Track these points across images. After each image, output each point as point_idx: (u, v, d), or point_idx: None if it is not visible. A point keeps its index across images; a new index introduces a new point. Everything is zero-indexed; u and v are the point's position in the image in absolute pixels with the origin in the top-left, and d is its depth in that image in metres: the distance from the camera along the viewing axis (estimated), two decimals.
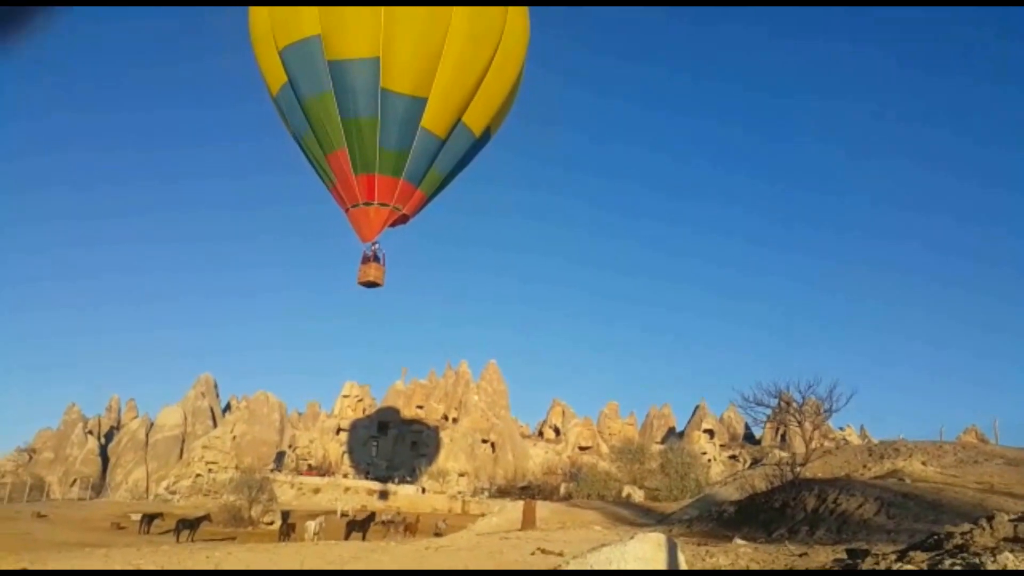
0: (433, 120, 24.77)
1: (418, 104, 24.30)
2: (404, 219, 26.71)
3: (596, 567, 6.35)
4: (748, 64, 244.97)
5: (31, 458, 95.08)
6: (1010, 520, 7.08)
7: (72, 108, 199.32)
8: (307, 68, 24.21)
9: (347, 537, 29.27)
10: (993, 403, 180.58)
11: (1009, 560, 4.95)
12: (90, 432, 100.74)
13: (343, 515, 41.08)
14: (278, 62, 24.87)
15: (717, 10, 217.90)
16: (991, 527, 6.92)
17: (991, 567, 4.95)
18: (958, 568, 5.19)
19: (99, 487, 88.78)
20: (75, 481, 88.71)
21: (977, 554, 5.61)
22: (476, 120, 26.32)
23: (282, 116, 26.74)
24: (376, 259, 26.42)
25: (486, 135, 27.93)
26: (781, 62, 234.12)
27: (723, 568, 9.85)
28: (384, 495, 63.34)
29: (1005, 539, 6.57)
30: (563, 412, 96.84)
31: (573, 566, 6.55)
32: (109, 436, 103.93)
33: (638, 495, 45.79)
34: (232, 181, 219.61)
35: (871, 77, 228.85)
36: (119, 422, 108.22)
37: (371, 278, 26.25)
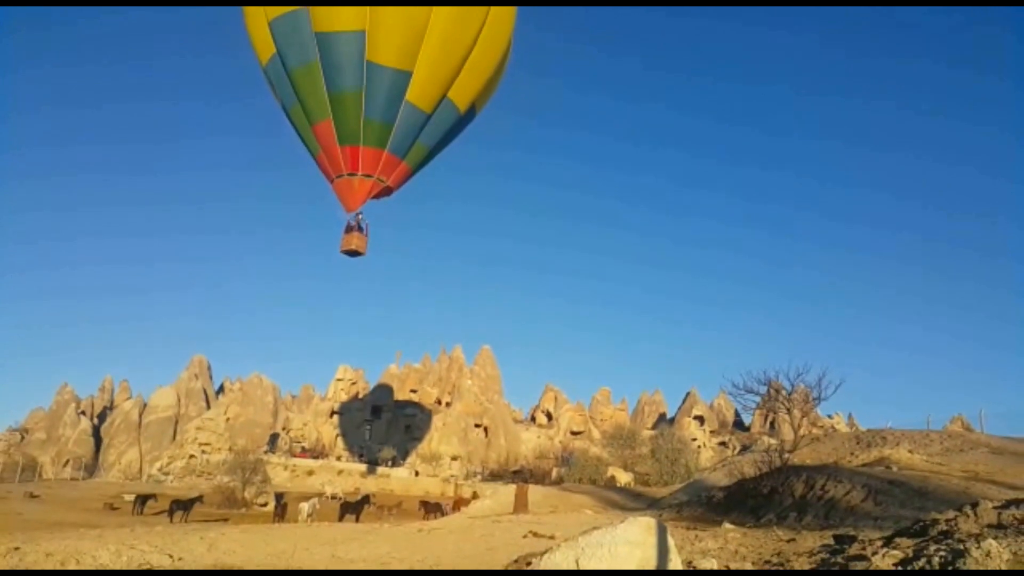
0: (418, 94, 25.02)
1: (403, 77, 24.56)
2: (388, 191, 27.07)
3: (587, 550, 6.44)
4: (733, 56, 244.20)
5: (23, 438, 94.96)
6: (994, 507, 7.21)
7: (58, 102, 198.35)
8: (295, 40, 24.51)
9: (341, 519, 29.47)
10: (980, 393, 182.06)
11: (992, 546, 5.05)
12: (83, 413, 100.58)
13: (333, 497, 41.26)
14: (267, 33, 25.12)
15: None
16: (975, 514, 7.04)
17: (975, 553, 5.05)
18: (942, 553, 5.30)
19: (92, 468, 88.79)
20: (68, 461, 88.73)
21: (961, 540, 5.71)
22: (462, 96, 26.56)
23: (271, 87, 27.05)
24: (360, 229, 26.96)
25: (471, 111, 28.21)
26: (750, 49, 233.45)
27: (712, 550, 9.99)
28: (372, 470, 63.98)
29: (989, 526, 6.69)
30: (555, 398, 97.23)
31: (564, 549, 6.64)
32: (102, 417, 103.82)
33: (624, 477, 46.26)
34: (231, 173, 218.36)
35: (855, 69, 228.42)
36: (112, 403, 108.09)
37: (353, 247, 26.78)
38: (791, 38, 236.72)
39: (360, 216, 26.84)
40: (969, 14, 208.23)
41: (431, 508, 34.01)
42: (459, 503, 34.91)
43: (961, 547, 5.22)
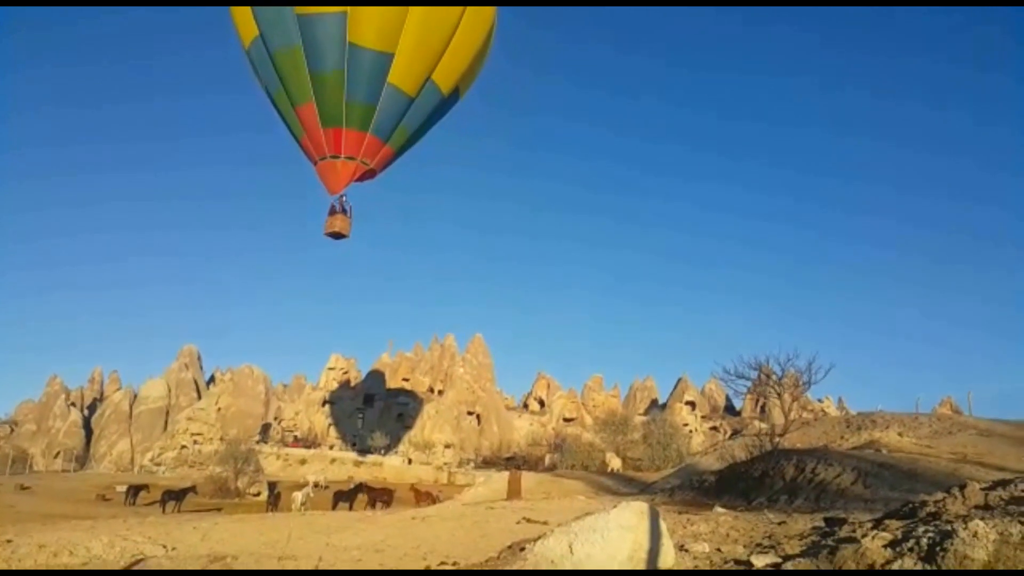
0: (400, 76, 25.05)
1: (385, 59, 24.58)
2: (372, 174, 27.12)
3: (581, 535, 6.48)
4: (733, 48, 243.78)
5: (13, 430, 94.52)
6: (981, 488, 7.29)
7: (54, 101, 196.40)
8: (277, 22, 24.52)
9: (334, 507, 29.54)
10: (968, 376, 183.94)
11: (979, 527, 5.11)
12: (73, 404, 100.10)
13: (315, 485, 41.08)
14: (250, 15, 25.16)
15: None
16: (963, 495, 7.11)
17: (962, 534, 5.11)
18: (931, 534, 5.36)
19: (83, 459, 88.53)
20: (59, 453, 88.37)
21: (949, 521, 5.78)
22: (445, 79, 26.60)
23: (254, 70, 27.02)
24: (344, 211, 27.00)
25: (455, 94, 28.27)
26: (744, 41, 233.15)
27: (703, 534, 10.08)
28: (362, 454, 64.32)
29: (976, 507, 6.77)
30: (548, 385, 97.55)
31: (558, 534, 6.67)
32: (92, 408, 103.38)
33: (615, 462, 46.58)
34: (222, 166, 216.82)
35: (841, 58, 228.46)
36: (102, 394, 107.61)
37: (337, 229, 26.85)
38: (791, 32, 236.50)
39: (344, 198, 26.90)
40: (969, 14, 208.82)
41: (423, 496, 33.65)
42: (420, 497, 33.05)
43: (949, 528, 5.28)
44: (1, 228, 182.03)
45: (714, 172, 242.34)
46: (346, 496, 31.44)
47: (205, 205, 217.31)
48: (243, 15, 25.57)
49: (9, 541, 13.88)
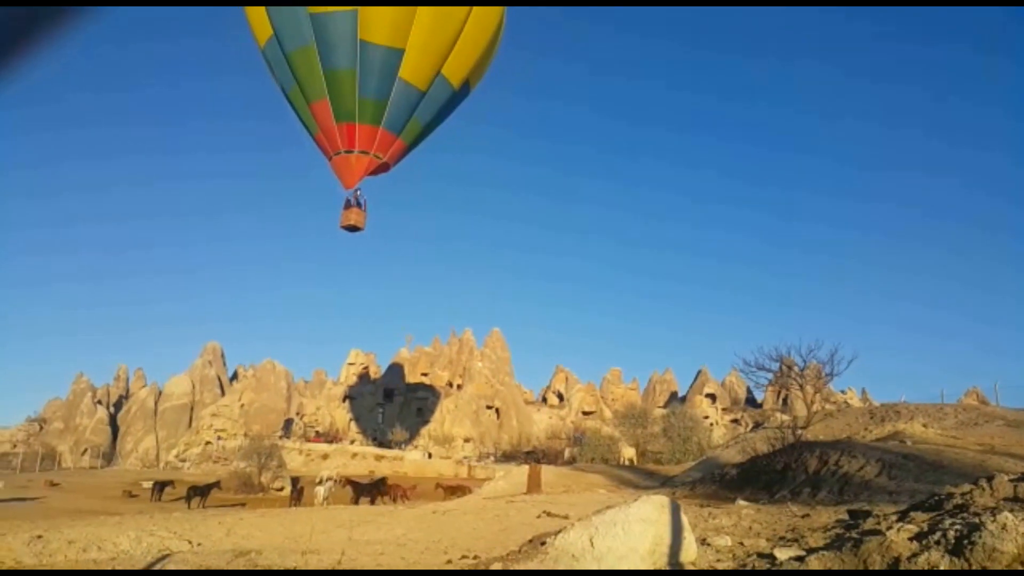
0: (411, 71, 25.52)
1: (395, 55, 25.05)
2: (385, 167, 27.66)
3: (601, 528, 6.46)
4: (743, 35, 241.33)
5: (42, 428, 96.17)
6: (1010, 480, 7.17)
7: (75, 88, 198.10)
8: (290, 21, 25.07)
9: (356, 502, 29.75)
10: (994, 365, 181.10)
11: (1008, 520, 5.03)
12: (99, 402, 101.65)
13: (328, 479, 40.96)
14: (264, 16, 25.69)
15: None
16: (991, 487, 7.01)
17: (990, 526, 5.03)
18: (958, 527, 5.29)
19: (109, 456, 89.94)
20: (86, 450, 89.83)
21: (977, 514, 5.70)
22: (455, 72, 27.01)
23: (270, 69, 27.55)
24: (358, 204, 27.59)
25: (466, 88, 28.73)
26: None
27: (725, 527, 10.02)
28: (383, 449, 64.82)
29: (1005, 499, 6.66)
30: (566, 378, 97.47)
31: (578, 528, 6.67)
32: (118, 405, 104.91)
33: (628, 452, 46.62)
34: (240, 153, 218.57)
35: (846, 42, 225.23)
36: (128, 391, 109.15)
37: (352, 222, 27.43)
38: (797, 17, 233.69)
39: (359, 192, 27.50)
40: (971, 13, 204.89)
41: (455, 490, 32.76)
42: (451, 491, 31.14)
43: (977, 520, 5.20)
44: (26, 233, 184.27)
45: (728, 163, 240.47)
46: (368, 491, 31.59)
47: (224, 204, 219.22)
48: (257, 16, 26.09)
49: (40, 536, 14.14)
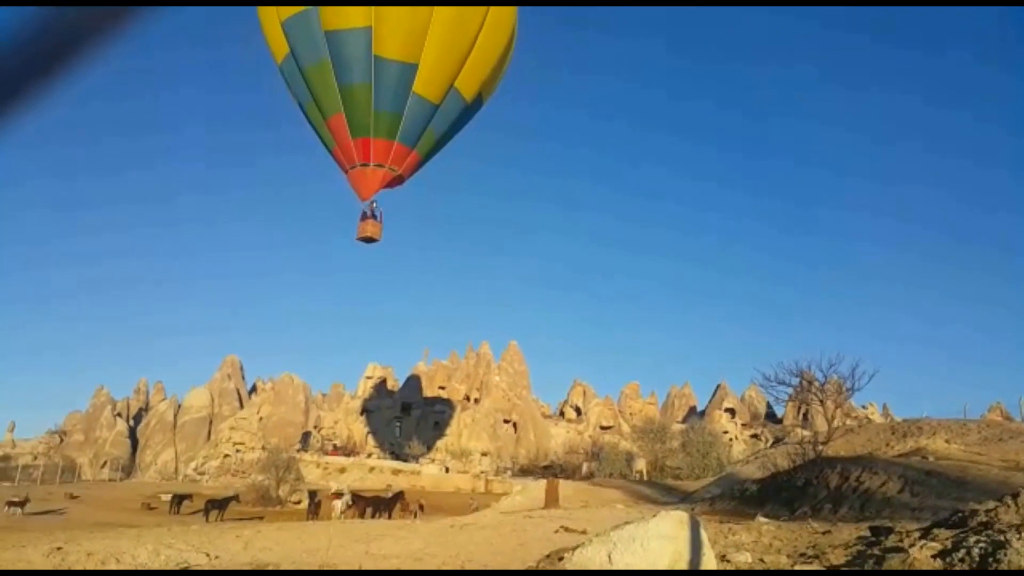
0: (425, 85, 26.04)
1: (409, 70, 25.57)
2: (400, 180, 28.19)
3: (620, 544, 6.43)
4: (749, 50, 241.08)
5: (62, 440, 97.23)
6: None
7: (99, 96, 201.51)
8: (306, 38, 25.64)
9: (373, 516, 29.72)
10: (1019, 381, 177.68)
11: None
12: (119, 414, 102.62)
13: (338, 494, 40.83)
14: (280, 33, 26.26)
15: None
16: (1016, 504, 6.89)
17: (1016, 544, 4.95)
18: (982, 544, 5.20)
19: (129, 468, 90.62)
20: (105, 463, 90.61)
21: (1002, 531, 5.60)
22: (468, 86, 27.54)
23: (287, 84, 28.18)
24: (374, 216, 28.27)
25: (478, 101, 29.26)
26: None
27: (745, 544, 9.91)
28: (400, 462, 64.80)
29: None
30: (584, 392, 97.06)
31: (596, 544, 6.63)
32: (138, 418, 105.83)
33: (640, 464, 46.39)
34: (260, 160, 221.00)
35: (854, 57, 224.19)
36: (147, 404, 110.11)
37: (368, 234, 28.12)
38: (806, 26, 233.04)
39: (374, 204, 28.13)
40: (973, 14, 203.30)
41: (381, 505, 31.44)
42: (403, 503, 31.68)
43: (1002, 538, 5.12)
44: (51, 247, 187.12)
45: (747, 176, 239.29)
46: (385, 504, 31.49)
47: (236, 215, 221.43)
48: (274, 33, 26.69)
49: (59, 548, 14.28)
